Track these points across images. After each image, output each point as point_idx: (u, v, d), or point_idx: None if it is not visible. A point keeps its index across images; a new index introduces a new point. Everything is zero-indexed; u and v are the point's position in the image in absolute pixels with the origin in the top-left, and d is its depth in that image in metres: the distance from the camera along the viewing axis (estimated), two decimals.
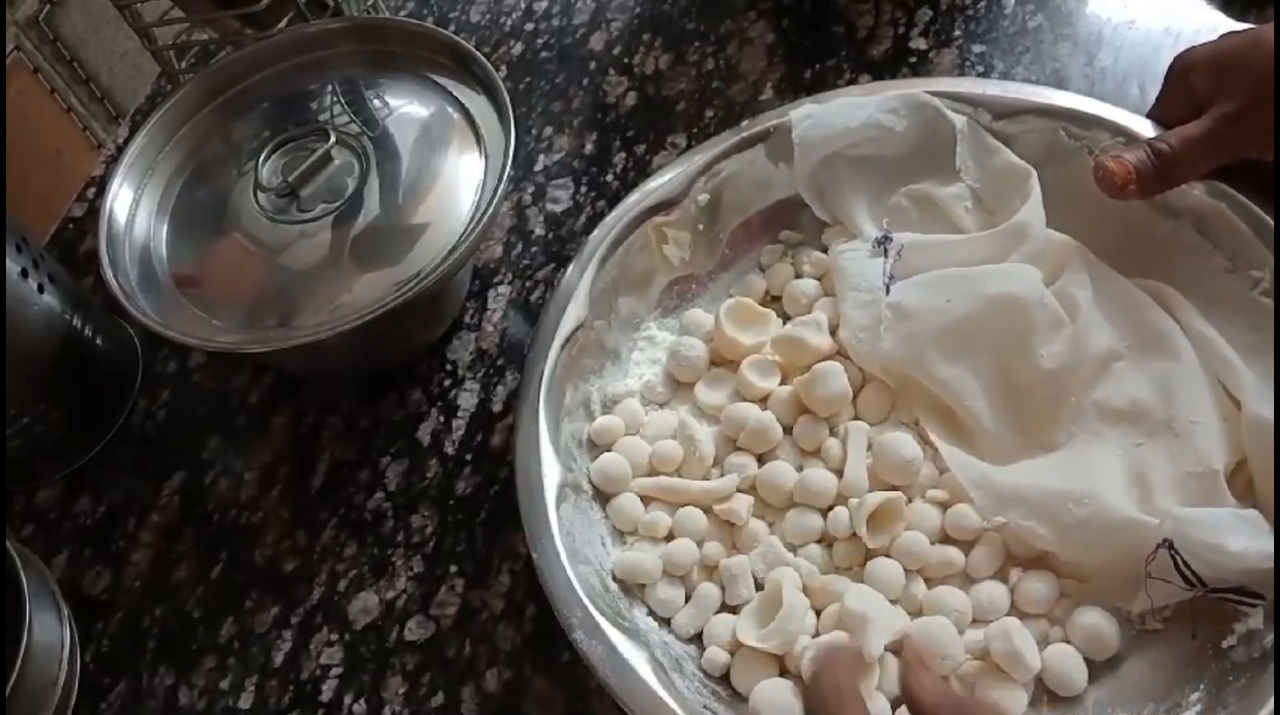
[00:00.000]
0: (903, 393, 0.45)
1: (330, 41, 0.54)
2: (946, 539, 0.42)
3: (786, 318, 0.48)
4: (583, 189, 0.57)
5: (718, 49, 0.61)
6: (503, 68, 0.63)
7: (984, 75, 0.55)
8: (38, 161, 0.76)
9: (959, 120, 0.47)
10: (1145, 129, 0.45)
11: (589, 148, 0.59)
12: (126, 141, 0.53)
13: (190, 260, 0.50)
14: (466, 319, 0.54)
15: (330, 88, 0.54)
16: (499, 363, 0.52)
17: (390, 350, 0.52)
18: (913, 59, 0.57)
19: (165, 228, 0.51)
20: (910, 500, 0.42)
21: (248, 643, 0.47)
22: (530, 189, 0.58)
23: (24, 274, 0.48)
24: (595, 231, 0.48)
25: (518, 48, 0.64)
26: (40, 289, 0.49)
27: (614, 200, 0.56)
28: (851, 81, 0.57)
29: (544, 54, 0.64)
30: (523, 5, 0.66)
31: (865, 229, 0.48)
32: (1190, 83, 0.44)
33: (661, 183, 0.49)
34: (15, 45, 0.76)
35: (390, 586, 0.47)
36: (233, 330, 0.47)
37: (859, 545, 0.42)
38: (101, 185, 0.61)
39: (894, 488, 0.42)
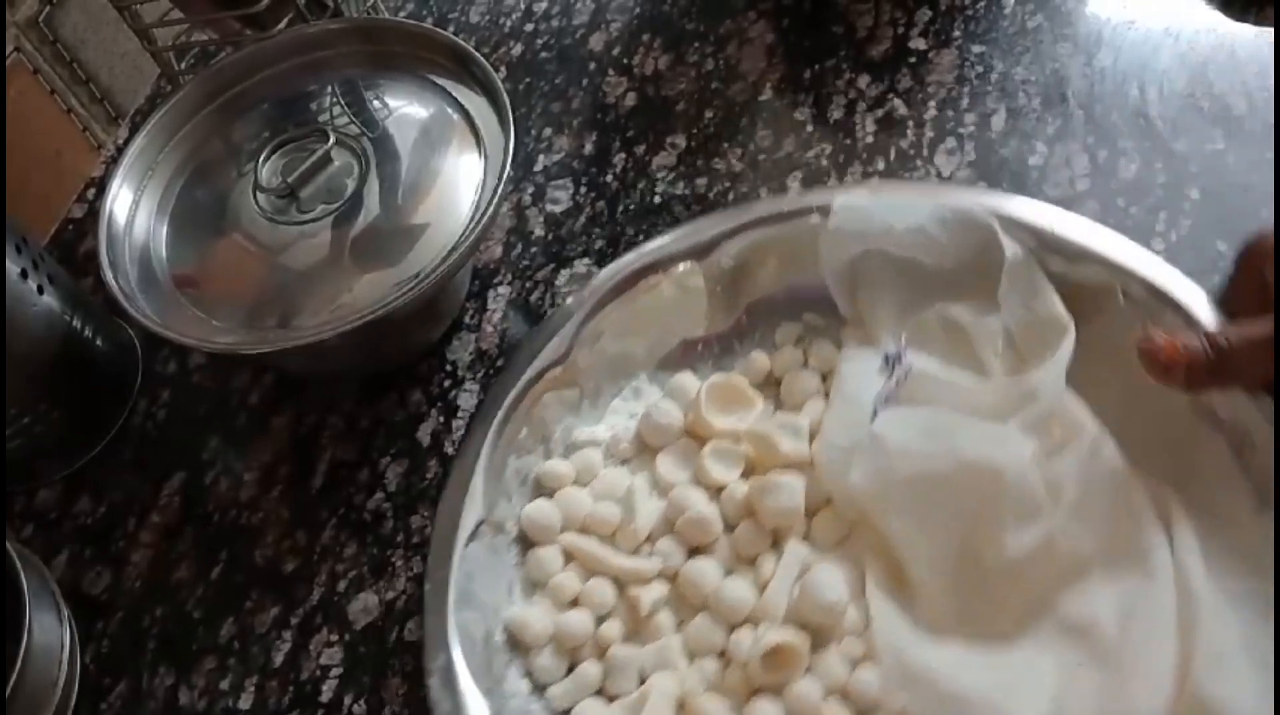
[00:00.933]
0: (858, 526, 0.41)
1: (330, 42, 0.54)
2: (845, 697, 0.38)
3: (780, 405, 0.45)
4: (582, 189, 0.57)
5: (717, 49, 0.61)
6: (502, 68, 0.63)
7: (983, 76, 0.55)
8: (38, 162, 0.76)
9: (1012, 251, 0.42)
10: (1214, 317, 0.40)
11: (589, 148, 0.59)
12: (126, 142, 0.53)
13: (190, 261, 0.50)
14: (466, 319, 0.54)
15: (330, 89, 0.54)
16: (499, 363, 0.52)
17: (390, 350, 0.52)
18: (912, 59, 0.57)
19: (165, 228, 0.51)
20: (826, 643, 0.39)
21: (248, 643, 0.47)
22: (530, 189, 0.58)
23: (24, 275, 0.48)
24: (605, 270, 0.46)
25: (517, 48, 0.64)
26: (40, 290, 0.49)
27: (613, 201, 0.56)
28: (851, 82, 0.57)
29: (543, 54, 0.64)
30: (522, 6, 0.66)
31: (883, 339, 0.44)
32: (1264, 274, 0.38)
33: (686, 234, 0.47)
34: (15, 46, 0.77)
35: (390, 586, 0.47)
36: (233, 331, 0.47)
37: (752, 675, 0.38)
38: (101, 186, 0.61)
39: (812, 625, 0.39)
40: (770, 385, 0.46)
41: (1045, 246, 0.43)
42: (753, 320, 0.47)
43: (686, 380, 0.46)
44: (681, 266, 0.46)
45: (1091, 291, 0.42)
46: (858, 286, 0.45)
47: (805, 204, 0.46)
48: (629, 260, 0.46)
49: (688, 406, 0.45)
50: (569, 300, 0.46)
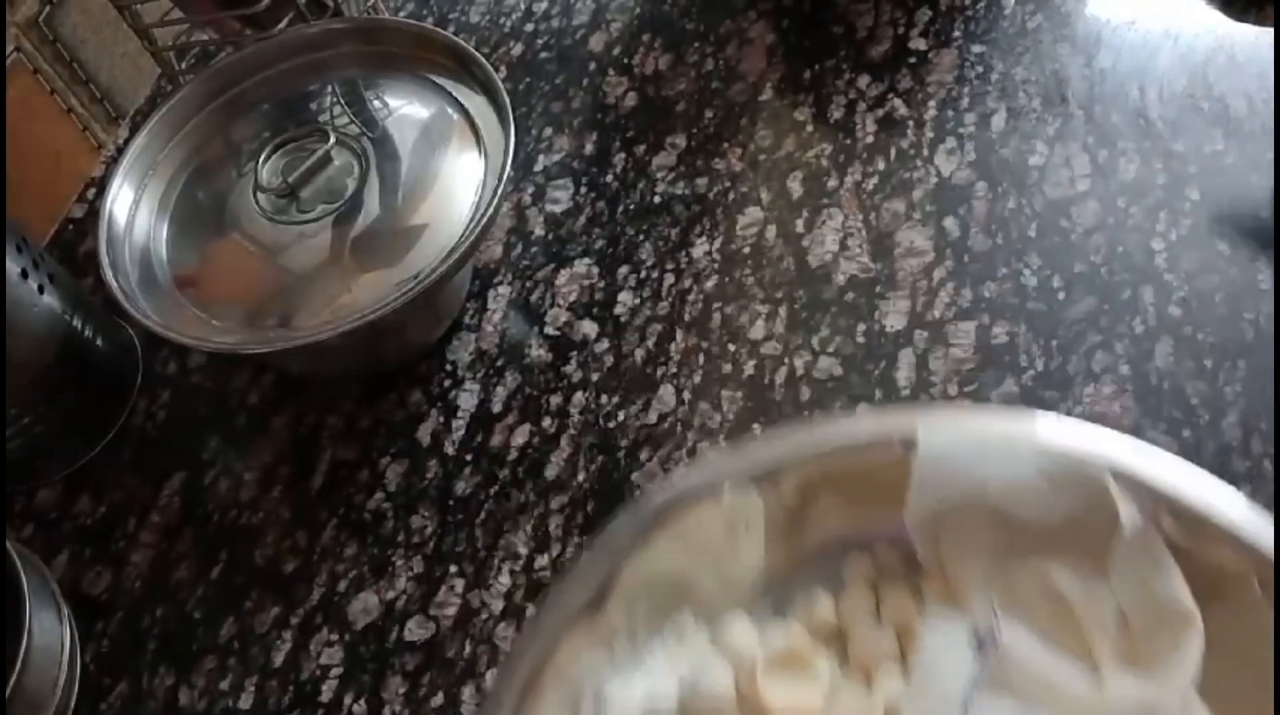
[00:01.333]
0: None
1: (330, 42, 0.54)
2: None
3: (846, 661, 0.38)
4: (582, 189, 0.57)
5: (718, 49, 0.61)
6: (502, 68, 0.63)
7: (983, 76, 0.55)
8: (38, 162, 0.76)
9: (1130, 517, 0.35)
10: None
11: (589, 148, 0.59)
12: (126, 142, 0.53)
13: (190, 261, 0.50)
14: (466, 319, 0.54)
15: (330, 88, 0.54)
16: (499, 363, 0.52)
17: (390, 350, 0.52)
18: (912, 59, 0.57)
19: (165, 228, 0.51)
20: None
21: (248, 643, 0.47)
22: (530, 189, 0.58)
23: (24, 275, 0.48)
24: (646, 497, 0.39)
25: (517, 48, 0.64)
26: (40, 290, 0.49)
27: (614, 201, 0.56)
28: (851, 82, 0.57)
29: (544, 54, 0.64)
30: (522, 6, 0.66)
31: (972, 604, 0.37)
32: None
33: (743, 456, 0.39)
34: (15, 46, 0.76)
35: (390, 587, 0.47)
36: (233, 331, 0.47)
37: None
38: (101, 186, 0.61)
39: None
40: (834, 639, 0.39)
41: (1166, 511, 0.35)
42: (815, 553, 0.40)
43: (738, 632, 0.38)
44: (736, 493, 0.38)
45: (1220, 573, 0.34)
46: (942, 535, 0.38)
47: (885, 434, 0.38)
48: (677, 484, 0.39)
49: (743, 665, 0.37)
50: (610, 529, 0.38)
